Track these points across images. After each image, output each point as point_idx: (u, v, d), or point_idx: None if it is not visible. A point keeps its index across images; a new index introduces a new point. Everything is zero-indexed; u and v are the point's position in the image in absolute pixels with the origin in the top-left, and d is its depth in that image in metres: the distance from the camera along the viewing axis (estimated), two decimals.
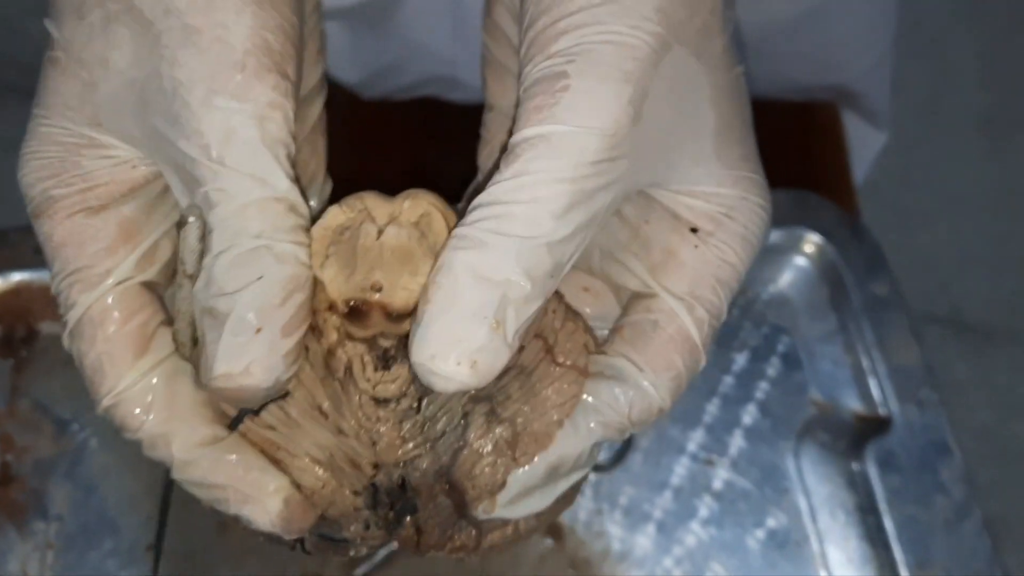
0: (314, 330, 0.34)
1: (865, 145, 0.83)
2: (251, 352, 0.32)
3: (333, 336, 0.34)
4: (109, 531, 0.59)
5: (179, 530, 0.59)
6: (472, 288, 0.31)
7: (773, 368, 0.65)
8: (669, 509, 0.61)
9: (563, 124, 0.31)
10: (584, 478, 0.38)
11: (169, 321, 0.35)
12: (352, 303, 0.33)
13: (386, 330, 0.34)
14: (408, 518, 0.35)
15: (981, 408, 1.48)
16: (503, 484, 0.34)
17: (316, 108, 0.39)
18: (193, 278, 0.35)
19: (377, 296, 0.33)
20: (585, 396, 0.35)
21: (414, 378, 0.33)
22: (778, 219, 0.69)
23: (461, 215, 0.33)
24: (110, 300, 0.34)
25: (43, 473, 0.60)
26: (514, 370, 0.35)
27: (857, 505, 0.61)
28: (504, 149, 0.33)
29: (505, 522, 0.36)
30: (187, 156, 0.32)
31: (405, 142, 0.76)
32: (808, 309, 0.67)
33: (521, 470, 0.34)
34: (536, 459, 0.35)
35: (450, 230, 0.34)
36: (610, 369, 0.36)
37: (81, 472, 0.60)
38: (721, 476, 0.62)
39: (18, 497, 0.59)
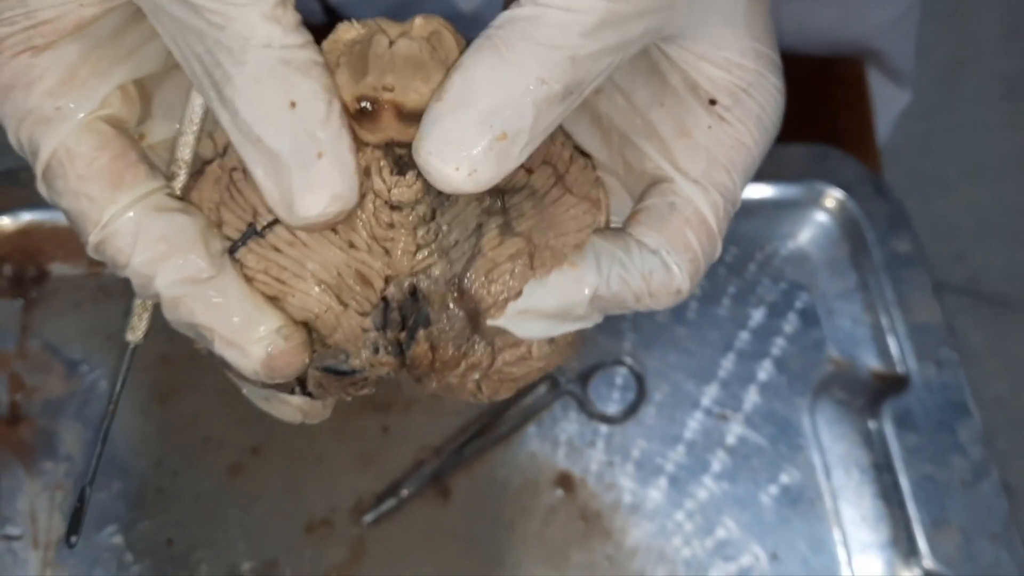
0: None
1: (888, 104, 0.82)
2: (327, 179, 0.31)
3: None
4: (118, 472, 0.58)
5: (189, 474, 0.59)
6: (486, 93, 0.31)
7: (790, 324, 0.64)
8: (682, 463, 0.60)
9: None
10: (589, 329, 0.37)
11: (145, 157, 0.34)
12: (363, 102, 0.32)
13: (398, 136, 0.33)
14: (421, 332, 0.34)
15: (996, 378, 1.47)
16: (519, 293, 0.34)
17: None
18: (191, 122, 0.35)
19: (389, 95, 0.32)
20: (611, 245, 0.35)
21: (428, 187, 0.33)
22: (799, 174, 0.69)
23: None
24: (76, 138, 0.33)
25: (52, 413, 0.60)
26: (526, 191, 0.35)
27: (872, 463, 0.60)
28: None
29: (518, 343, 0.35)
30: None
31: None
32: (828, 265, 0.66)
33: (538, 281, 0.34)
34: (553, 273, 0.34)
35: (461, 50, 0.33)
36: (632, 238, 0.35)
37: (90, 413, 0.60)
38: (735, 431, 0.61)
39: (27, 437, 0.59)
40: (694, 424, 0.61)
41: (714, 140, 0.35)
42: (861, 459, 0.60)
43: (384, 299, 0.34)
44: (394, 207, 0.33)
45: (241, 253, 0.34)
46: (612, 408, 0.62)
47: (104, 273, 0.64)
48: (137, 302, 0.38)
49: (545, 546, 0.58)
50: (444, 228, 0.34)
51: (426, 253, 0.34)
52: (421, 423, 0.60)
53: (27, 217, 0.64)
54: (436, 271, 0.34)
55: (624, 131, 0.37)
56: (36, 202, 0.64)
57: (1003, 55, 1.73)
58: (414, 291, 0.34)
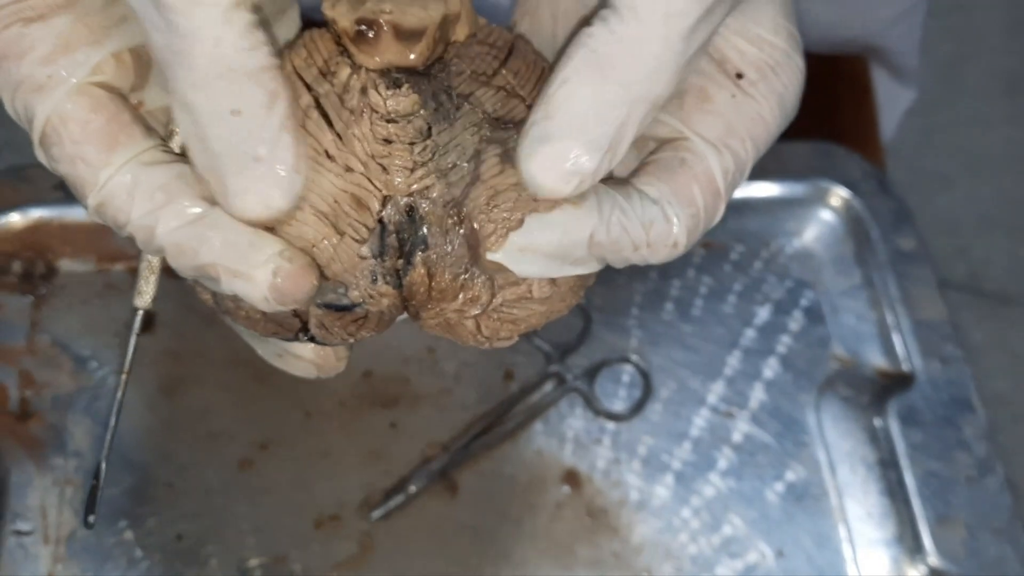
0: (324, 75, 0.34)
1: (893, 102, 0.82)
2: (260, 185, 0.32)
3: (346, 70, 0.34)
4: (127, 468, 0.59)
5: (198, 469, 0.59)
6: (598, 114, 0.31)
7: (796, 322, 0.65)
8: (688, 460, 0.60)
9: None
10: (592, 277, 0.37)
11: (140, 118, 0.35)
12: (362, 24, 0.33)
13: (396, 59, 0.34)
14: (418, 256, 0.34)
15: (997, 374, 1.47)
16: (521, 222, 0.34)
17: None
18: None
19: (387, 16, 0.33)
20: (613, 190, 0.35)
21: (425, 102, 0.34)
22: (803, 171, 0.69)
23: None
24: (69, 103, 0.33)
25: (62, 409, 0.60)
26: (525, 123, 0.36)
27: (878, 460, 0.60)
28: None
29: (518, 281, 0.35)
30: None
31: None
32: (833, 263, 0.67)
33: (539, 215, 0.34)
34: (555, 209, 0.34)
35: None
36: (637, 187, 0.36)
37: (99, 408, 0.60)
38: (741, 428, 0.61)
39: (37, 432, 0.59)
40: (700, 421, 0.61)
41: (734, 110, 0.35)
42: (866, 456, 0.60)
43: (381, 222, 0.34)
44: (390, 120, 0.34)
45: None
46: (618, 405, 0.62)
47: (113, 270, 0.64)
48: (143, 264, 0.38)
49: (552, 542, 0.58)
50: (441, 148, 0.34)
51: (423, 172, 0.34)
52: (428, 419, 0.61)
53: (36, 214, 0.65)
54: (434, 192, 0.34)
55: None
56: (45, 199, 0.65)
57: (1005, 51, 1.73)
58: (411, 211, 0.34)
